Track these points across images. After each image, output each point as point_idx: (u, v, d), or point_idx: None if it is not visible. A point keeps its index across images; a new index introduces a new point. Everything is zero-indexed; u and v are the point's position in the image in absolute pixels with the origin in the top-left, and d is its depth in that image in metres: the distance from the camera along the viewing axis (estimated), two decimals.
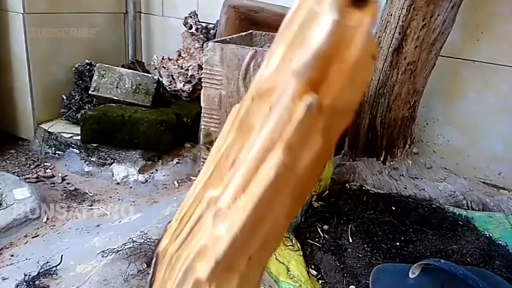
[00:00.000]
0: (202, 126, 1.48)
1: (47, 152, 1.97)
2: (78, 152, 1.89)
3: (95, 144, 1.86)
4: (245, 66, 1.32)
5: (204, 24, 2.10)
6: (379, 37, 1.58)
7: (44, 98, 2.05)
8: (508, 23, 1.60)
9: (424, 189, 1.57)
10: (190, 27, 2.06)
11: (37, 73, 1.99)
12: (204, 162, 1.37)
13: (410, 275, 1.03)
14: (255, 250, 0.34)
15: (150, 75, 2.04)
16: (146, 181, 1.80)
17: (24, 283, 1.12)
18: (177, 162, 1.88)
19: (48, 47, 2.01)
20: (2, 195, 1.53)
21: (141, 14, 2.44)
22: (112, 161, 1.85)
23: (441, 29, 1.51)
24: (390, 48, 1.55)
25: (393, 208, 1.36)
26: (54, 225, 1.47)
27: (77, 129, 1.92)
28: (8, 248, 1.35)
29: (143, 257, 1.18)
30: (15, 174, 1.75)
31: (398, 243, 1.21)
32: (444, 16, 1.49)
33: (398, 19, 1.50)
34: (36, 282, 1.12)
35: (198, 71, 1.97)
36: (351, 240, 1.22)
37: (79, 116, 1.96)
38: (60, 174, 1.81)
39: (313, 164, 0.31)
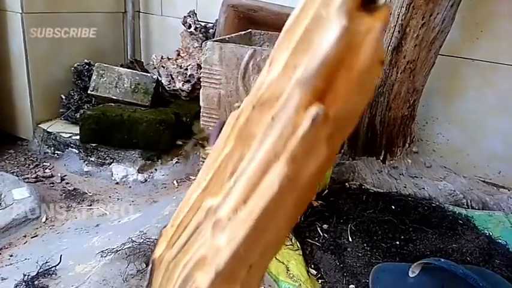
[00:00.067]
0: (201, 126, 1.47)
1: (46, 151, 1.96)
2: (77, 151, 1.89)
3: (94, 144, 1.85)
4: (244, 66, 1.32)
5: (203, 24, 2.09)
6: None
7: (43, 98, 2.05)
8: (508, 21, 1.59)
9: (423, 188, 1.57)
10: (189, 27, 2.06)
11: (36, 73, 1.99)
12: (202, 160, 1.37)
13: (410, 274, 1.02)
14: (256, 259, 0.34)
15: (149, 74, 2.03)
16: (145, 181, 1.79)
17: (23, 283, 1.12)
18: (176, 162, 1.88)
19: (46, 46, 2.00)
20: (1, 195, 1.52)
21: (140, 13, 2.44)
22: (111, 160, 1.84)
23: (440, 28, 1.51)
24: (389, 47, 1.55)
25: (393, 207, 1.35)
26: (53, 225, 1.46)
27: (76, 129, 1.91)
28: (7, 248, 1.34)
29: (142, 257, 1.18)
30: (14, 174, 1.75)
31: (398, 242, 1.21)
32: (443, 15, 1.49)
33: (398, 18, 1.50)
34: (35, 283, 1.12)
35: (197, 70, 1.96)
36: (350, 240, 1.22)
37: (78, 116, 1.96)
38: (59, 174, 1.81)
39: (317, 172, 0.30)
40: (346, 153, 1.76)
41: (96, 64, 2.00)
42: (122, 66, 2.14)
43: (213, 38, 1.97)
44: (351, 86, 0.28)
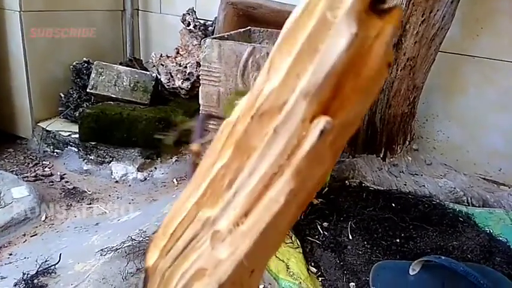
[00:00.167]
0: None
1: (45, 150, 1.96)
2: (76, 150, 1.89)
3: (93, 143, 1.85)
4: (243, 63, 1.32)
5: (202, 21, 2.09)
6: None
7: (42, 96, 2.04)
8: (508, 18, 1.59)
9: (424, 186, 1.57)
10: (188, 24, 2.05)
11: (35, 71, 1.98)
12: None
13: (411, 272, 1.02)
14: (258, 264, 0.34)
15: (148, 72, 2.03)
16: (145, 179, 1.79)
17: (23, 282, 1.12)
18: (176, 160, 1.88)
19: (45, 45, 2.00)
20: (0, 194, 1.52)
21: (139, 11, 2.43)
22: (111, 159, 1.84)
23: (441, 24, 1.50)
24: None
25: (393, 205, 1.35)
26: (53, 224, 1.46)
27: (75, 128, 1.91)
28: (6, 246, 1.34)
29: (142, 256, 1.18)
30: (14, 173, 1.74)
31: (398, 240, 1.21)
32: (443, 11, 1.48)
33: None
34: (35, 281, 1.12)
35: (196, 68, 1.96)
36: (350, 237, 1.21)
37: (77, 114, 1.95)
38: (58, 173, 1.80)
39: (321, 178, 0.30)
40: (346, 151, 1.75)
41: (95, 62, 2.00)
42: (121, 64, 2.14)
43: (212, 35, 1.96)
44: (358, 92, 0.27)
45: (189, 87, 2.01)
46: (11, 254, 1.31)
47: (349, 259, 1.15)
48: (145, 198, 1.67)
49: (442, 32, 1.53)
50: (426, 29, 1.50)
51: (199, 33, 2.06)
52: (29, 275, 1.13)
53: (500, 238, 1.26)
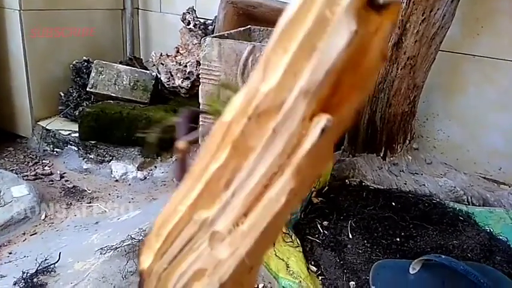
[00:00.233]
0: (201, 123, 1.46)
1: (45, 149, 1.96)
2: (76, 149, 1.88)
3: (93, 142, 1.85)
4: (243, 62, 1.31)
5: (202, 20, 2.09)
6: None
7: (42, 96, 2.04)
8: (508, 17, 1.59)
9: (424, 185, 1.56)
10: (188, 23, 2.05)
11: (34, 70, 1.98)
12: None
13: (411, 271, 1.02)
14: (257, 261, 0.34)
15: (148, 71, 2.03)
16: (145, 178, 1.79)
17: (23, 280, 1.12)
18: (175, 159, 1.87)
19: (45, 44, 2.00)
20: (0, 192, 1.52)
21: (139, 10, 2.43)
22: (110, 158, 1.84)
23: (441, 23, 1.50)
24: (390, 43, 1.54)
25: (393, 204, 1.35)
26: (53, 223, 1.46)
27: (75, 127, 1.91)
28: (6, 245, 1.34)
29: None
30: (14, 171, 1.74)
31: (398, 239, 1.20)
32: (444, 10, 1.48)
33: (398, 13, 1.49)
34: (34, 280, 1.12)
35: (196, 67, 1.96)
36: (350, 236, 1.21)
37: (77, 113, 1.95)
38: (58, 172, 1.80)
39: (320, 173, 0.30)
40: (347, 150, 1.75)
41: (95, 61, 2.00)
42: (120, 63, 2.14)
43: (212, 34, 1.96)
44: (355, 87, 0.27)
45: (189, 86, 2.01)
46: (10, 253, 1.31)
47: (349, 258, 1.15)
48: (145, 197, 1.67)
49: (443, 31, 1.53)
50: (426, 28, 1.50)
51: (199, 32, 2.05)
52: (28, 274, 1.13)
53: (501, 237, 1.26)
